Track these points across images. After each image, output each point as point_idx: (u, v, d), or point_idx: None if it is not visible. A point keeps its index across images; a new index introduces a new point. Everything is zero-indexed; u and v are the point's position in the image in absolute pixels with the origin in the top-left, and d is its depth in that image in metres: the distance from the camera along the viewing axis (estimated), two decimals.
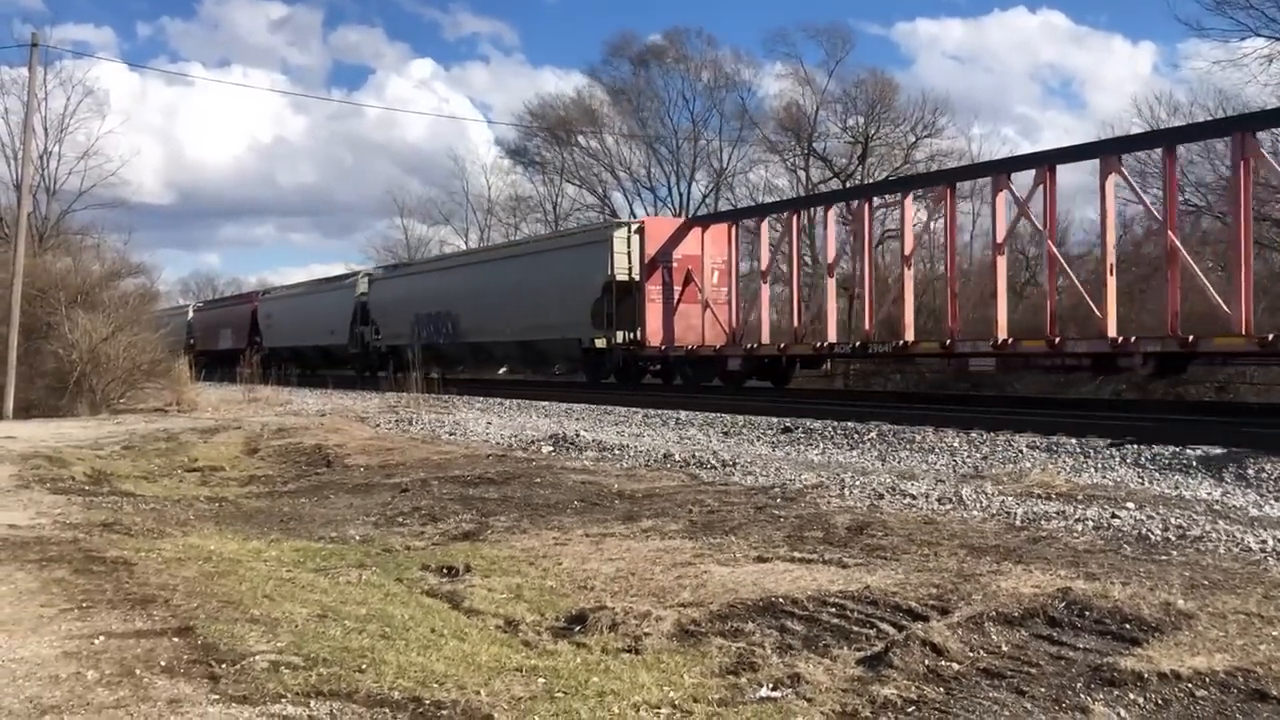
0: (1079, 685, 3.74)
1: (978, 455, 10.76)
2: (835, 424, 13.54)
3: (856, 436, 12.57)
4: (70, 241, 35.45)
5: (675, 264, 23.18)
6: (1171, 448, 10.05)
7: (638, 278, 23.17)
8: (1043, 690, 3.71)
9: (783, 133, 45.45)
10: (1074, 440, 10.93)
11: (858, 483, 8.76)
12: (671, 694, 3.80)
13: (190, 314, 55.16)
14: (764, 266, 21.61)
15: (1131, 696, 3.62)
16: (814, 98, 44.37)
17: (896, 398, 20.15)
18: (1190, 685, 3.67)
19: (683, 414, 16.20)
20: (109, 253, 34.50)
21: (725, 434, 14.00)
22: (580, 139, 50.41)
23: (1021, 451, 10.75)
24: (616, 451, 11.88)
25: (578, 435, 13.37)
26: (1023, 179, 16.61)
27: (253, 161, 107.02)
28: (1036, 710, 3.55)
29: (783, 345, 20.58)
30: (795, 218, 21.84)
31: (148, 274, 41.17)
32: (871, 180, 37.41)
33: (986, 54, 76.39)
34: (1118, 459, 9.97)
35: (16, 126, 34.40)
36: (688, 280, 23.08)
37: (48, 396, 19.93)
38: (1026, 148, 43.33)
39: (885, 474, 9.47)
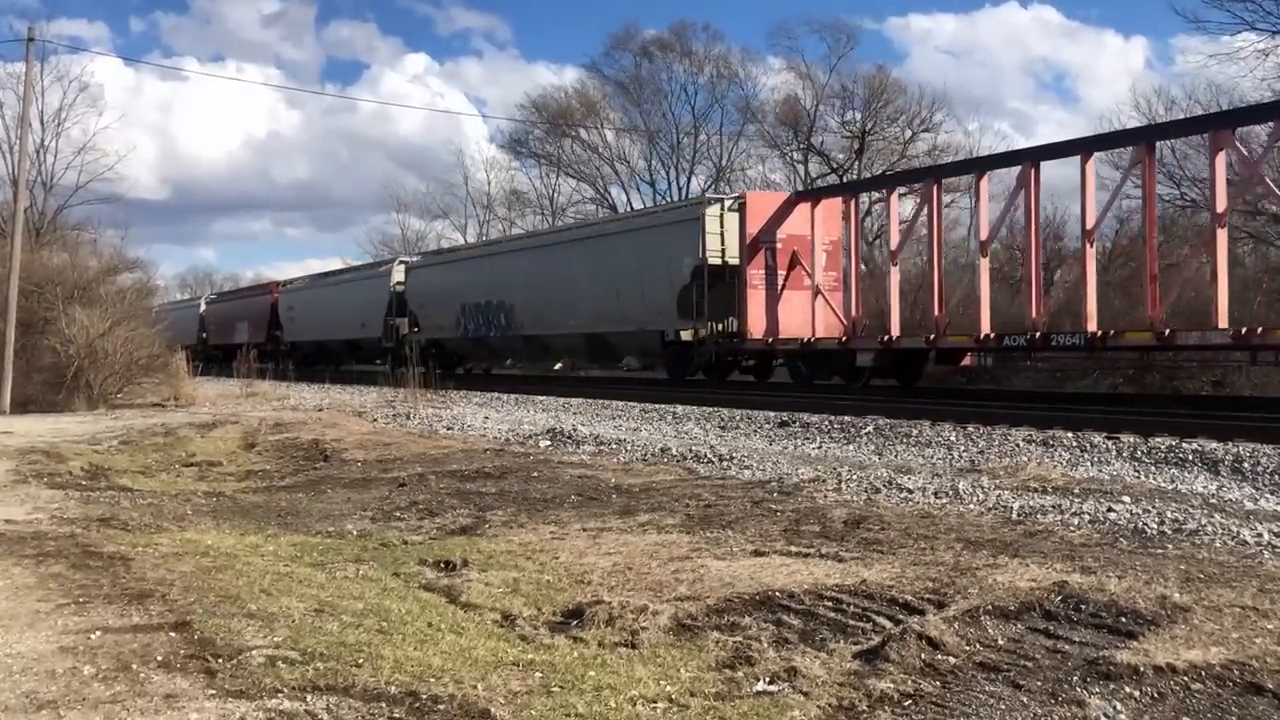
0: (1075, 679, 3.74)
1: (974, 449, 10.77)
2: (832, 418, 13.55)
3: (853, 430, 12.57)
4: (67, 237, 35.35)
5: (779, 244, 20.52)
6: (1168, 441, 10.06)
7: (736, 260, 20.59)
8: (1039, 684, 3.72)
9: (781, 127, 45.48)
10: (1070, 434, 10.95)
11: (854, 477, 8.76)
12: (668, 688, 3.80)
13: (203, 307, 53.14)
14: (894, 246, 19.35)
15: (1127, 690, 3.62)
16: (814, 92, 44.41)
17: (891, 392, 20.07)
18: (1186, 679, 3.68)
19: (679, 408, 16.21)
20: (106, 248, 34.41)
21: (722, 428, 14.00)
22: (581, 132, 50.41)
23: (1018, 445, 10.77)
24: (614, 446, 11.89)
25: (575, 429, 13.37)
26: None
27: (247, 157, 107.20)
28: (1032, 704, 3.56)
29: (930, 337, 17.51)
30: (935, 189, 18.69)
31: (145, 269, 40.57)
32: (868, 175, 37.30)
33: (979, 49, 76.62)
34: (1114, 453, 9.98)
35: (12, 122, 34.30)
36: (793, 263, 20.44)
37: (45, 391, 19.93)
38: (1022, 143, 43.18)
39: (882, 468, 9.48)
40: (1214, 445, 9.72)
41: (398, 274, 34.59)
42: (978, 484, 8.20)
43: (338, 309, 37.64)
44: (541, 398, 20.56)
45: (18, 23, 63.40)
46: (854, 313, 19.62)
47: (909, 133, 42.53)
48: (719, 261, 20.67)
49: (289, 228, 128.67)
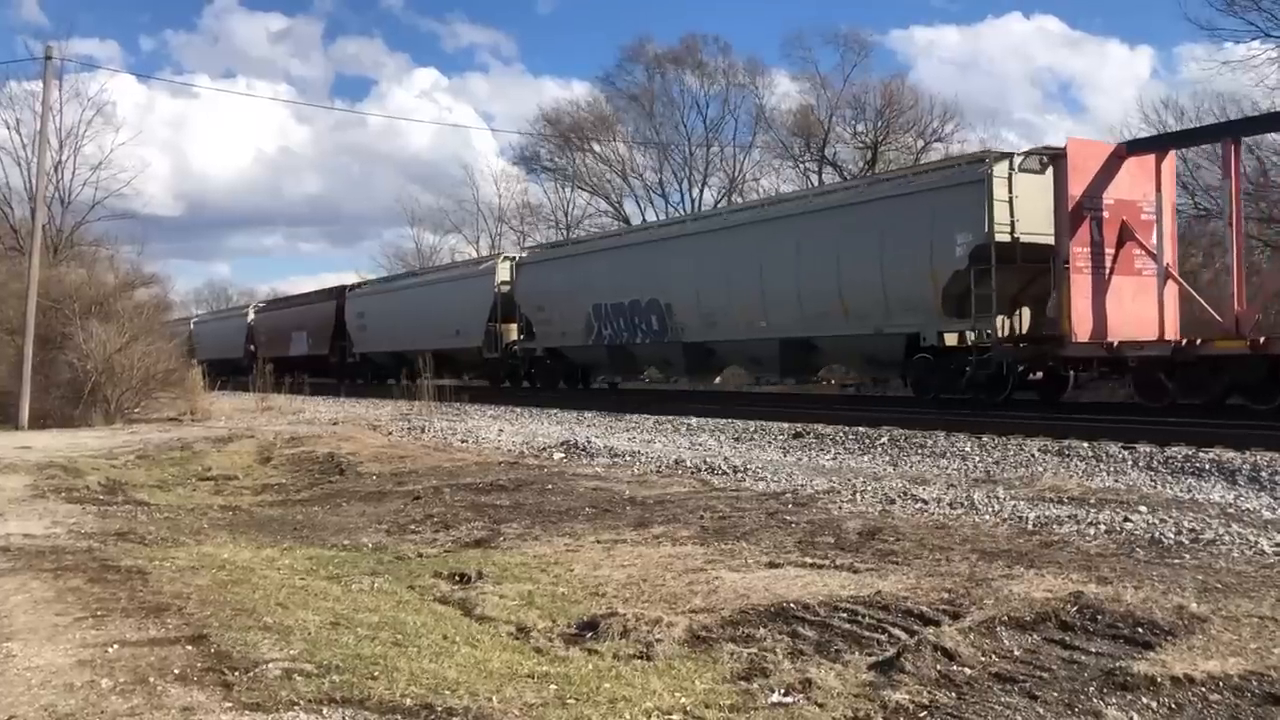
0: (1092, 690, 3.72)
1: (989, 460, 10.73)
2: (846, 429, 13.52)
3: (868, 441, 12.55)
4: (84, 253, 35.65)
5: (1106, 213, 15.33)
6: (1184, 451, 10.01)
7: (1035, 236, 15.50)
8: (1055, 695, 3.70)
9: (795, 138, 45.58)
10: (1086, 444, 10.90)
11: (869, 487, 8.74)
12: (684, 700, 3.80)
13: (251, 315, 48.37)
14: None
15: (1145, 701, 3.60)
16: (829, 102, 44.47)
17: (906, 403, 19.87)
18: (1204, 689, 3.66)
19: (693, 420, 16.20)
20: (122, 263, 34.67)
21: (736, 439, 13.99)
22: (594, 145, 50.55)
23: (1033, 456, 10.72)
24: (628, 458, 11.89)
25: (589, 442, 13.38)
26: None
27: (260, 172, 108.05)
28: (1049, 715, 3.54)
29: None
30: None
31: (161, 284, 40.82)
32: None
33: (984, 60, 76.42)
34: (1130, 462, 9.93)
35: (29, 139, 34.63)
36: (1123, 238, 15.37)
37: (62, 406, 20.04)
38: None
39: (897, 479, 9.45)
40: (1231, 454, 9.66)
41: (502, 272, 29.54)
42: (993, 494, 8.17)
43: (423, 314, 32.76)
44: (555, 410, 20.57)
45: (32, 42, 64.06)
46: (1236, 305, 14.49)
47: (921, 143, 42.55)
48: (1008, 238, 15.59)
49: (302, 243, 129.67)
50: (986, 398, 16.52)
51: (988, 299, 15.58)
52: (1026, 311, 16.19)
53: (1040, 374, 16.91)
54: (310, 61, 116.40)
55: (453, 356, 30.42)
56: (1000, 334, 15.81)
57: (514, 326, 28.94)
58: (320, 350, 39.92)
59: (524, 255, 30.79)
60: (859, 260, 17.89)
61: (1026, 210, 15.60)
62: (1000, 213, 15.58)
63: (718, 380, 26.72)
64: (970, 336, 16.37)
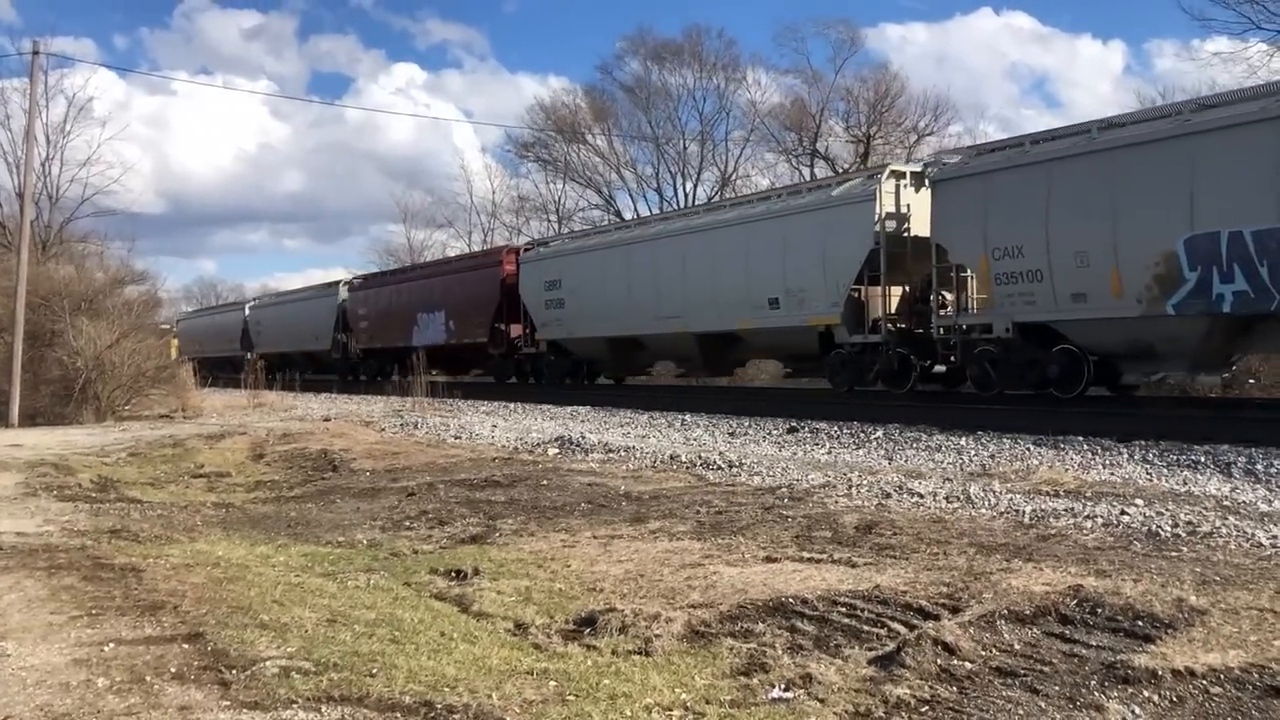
0: (1093, 683, 3.72)
1: (985, 453, 10.74)
2: (841, 424, 13.52)
3: (863, 436, 12.55)
4: (73, 249, 35.50)
5: None
6: (1179, 444, 10.03)
7: None
8: (1056, 689, 3.69)
9: (787, 132, 45.62)
10: (1081, 437, 10.91)
11: (865, 482, 8.74)
12: (683, 695, 3.78)
13: (343, 294, 38.19)
14: None
15: (1146, 694, 3.60)
16: (821, 95, 44.49)
17: (901, 397, 19.90)
18: (1205, 682, 3.65)
19: (688, 416, 16.20)
20: (112, 260, 34.51)
21: (731, 435, 13.98)
22: (587, 137, 50.46)
23: (1029, 449, 10.73)
24: (623, 453, 11.87)
25: (583, 437, 13.36)
26: None
27: (243, 170, 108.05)
28: (1051, 709, 3.53)
29: None
30: None
31: (151, 281, 40.30)
32: None
33: (957, 56, 76.21)
34: (1125, 455, 9.94)
35: (16, 134, 34.46)
36: None
37: (53, 404, 19.96)
38: None
39: (892, 473, 9.45)
40: (1225, 447, 9.68)
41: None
42: (989, 488, 8.17)
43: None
44: (548, 406, 20.54)
45: (3, 39, 63.56)
46: None
47: (914, 136, 42.59)
48: None
49: (286, 239, 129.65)
50: None
51: None
52: None
53: None
54: (285, 59, 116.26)
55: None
56: None
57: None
58: (470, 335, 29.89)
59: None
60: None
61: None
62: None
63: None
64: None
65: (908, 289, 18.20)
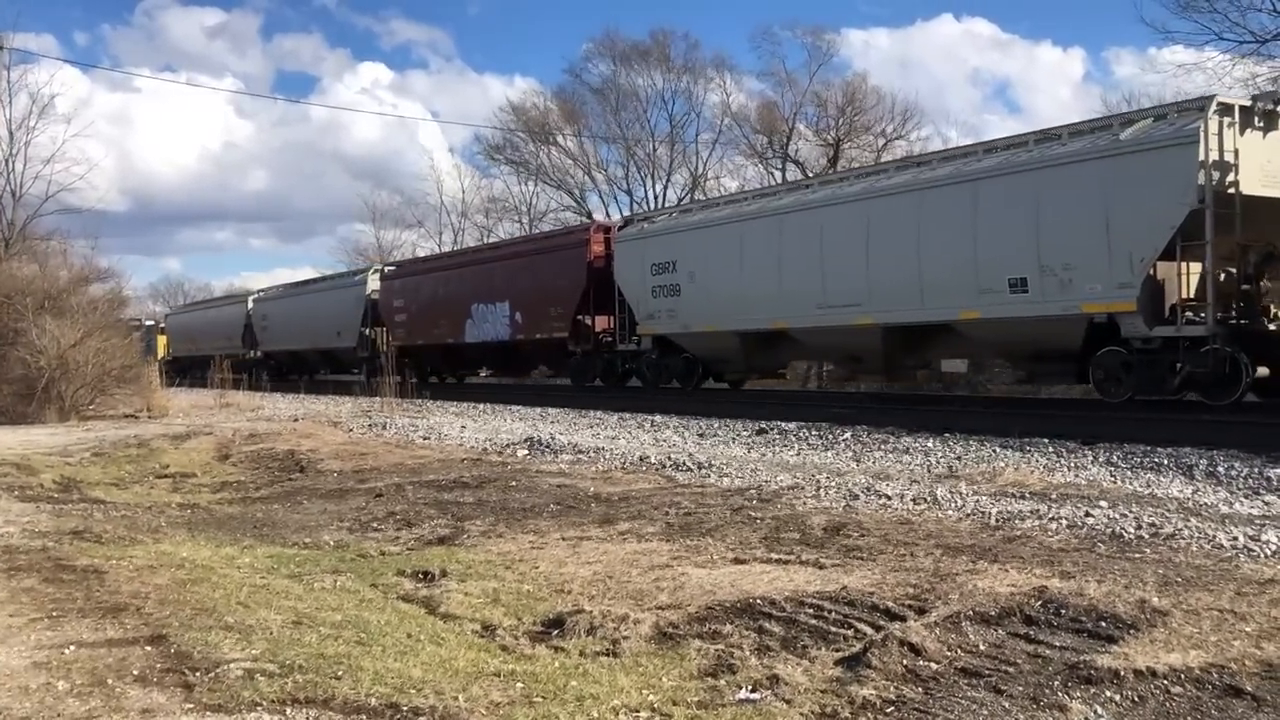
0: (1056, 683, 3.75)
1: (952, 455, 10.82)
2: (809, 425, 13.57)
3: (831, 437, 12.60)
4: (36, 247, 34.98)
5: None
6: (1142, 446, 10.14)
7: None
8: (1020, 689, 3.72)
9: (758, 135, 45.74)
10: (1046, 439, 11.02)
11: (833, 483, 8.77)
12: (651, 697, 3.78)
13: (373, 283, 34.16)
14: None
15: (1108, 694, 3.64)
16: (793, 99, 44.64)
17: (870, 398, 20.01)
18: (1166, 682, 3.69)
19: (658, 416, 16.21)
20: (76, 258, 34.00)
21: (700, 436, 14.00)
22: (558, 138, 50.30)
23: (995, 451, 10.82)
24: (592, 454, 11.86)
25: (553, 439, 13.34)
26: None
27: (208, 168, 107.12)
28: (1015, 709, 3.56)
29: None
30: None
31: (117, 279, 39.57)
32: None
33: (919, 61, 76.66)
34: (1090, 458, 10.04)
35: None
36: None
37: (15, 403, 19.69)
38: None
39: (860, 474, 9.50)
40: (1188, 449, 9.80)
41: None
42: (956, 490, 8.23)
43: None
44: (518, 407, 20.48)
45: None
46: None
47: (882, 140, 42.81)
48: None
49: (253, 238, 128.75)
50: None
51: None
52: None
53: None
54: (249, 58, 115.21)
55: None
56: None
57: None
58: (544, 330, 25.22)
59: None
60: None
61: None
62: None
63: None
64: None
65: (1210, 267, 13.17)
